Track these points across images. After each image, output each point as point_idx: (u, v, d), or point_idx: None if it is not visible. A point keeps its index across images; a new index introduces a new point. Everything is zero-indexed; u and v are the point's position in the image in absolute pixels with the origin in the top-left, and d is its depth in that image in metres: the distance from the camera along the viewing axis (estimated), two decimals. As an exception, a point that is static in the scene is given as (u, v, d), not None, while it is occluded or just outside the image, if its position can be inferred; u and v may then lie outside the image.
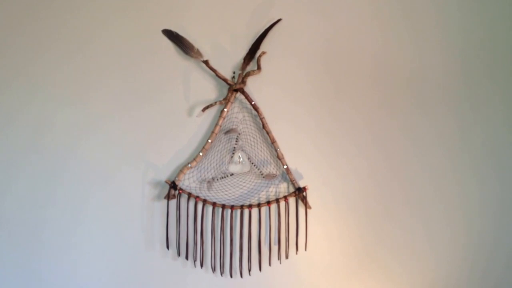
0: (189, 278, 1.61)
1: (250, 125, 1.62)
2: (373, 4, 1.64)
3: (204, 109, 1.59)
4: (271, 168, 1.61)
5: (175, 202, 1.59)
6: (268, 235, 1.59)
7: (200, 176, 1.61)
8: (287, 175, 1.59)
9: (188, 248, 1.58)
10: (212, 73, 1.61)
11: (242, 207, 1.57)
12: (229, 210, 1.58)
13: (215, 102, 1.59)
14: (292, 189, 1.60)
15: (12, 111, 1.64)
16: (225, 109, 1.59)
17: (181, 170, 1.58)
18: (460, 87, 1.63)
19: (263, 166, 1.61)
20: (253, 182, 1.60)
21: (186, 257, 1.58)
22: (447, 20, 1.64)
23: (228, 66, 1.63)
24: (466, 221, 1.61)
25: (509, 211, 1.60)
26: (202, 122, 1.63)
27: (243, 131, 1.61)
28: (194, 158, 1.58)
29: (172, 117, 1.63)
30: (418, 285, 1.61)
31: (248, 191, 1.60)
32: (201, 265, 1.59)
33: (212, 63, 1.61)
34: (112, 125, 1.63)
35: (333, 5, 1.65)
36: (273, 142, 1.58)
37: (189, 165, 1.58)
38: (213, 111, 1.62)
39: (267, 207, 1.58)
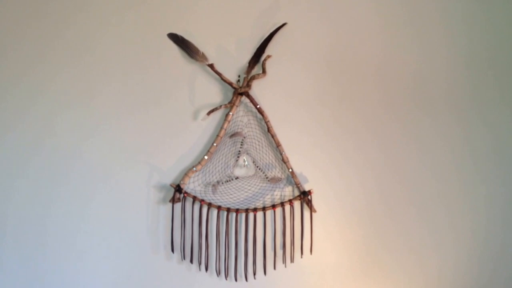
0: (194, 282, 1.60)
1: (255, 128, 1.62)
2: (378, 8, 1.65)
3: (209, 113, 1.59)
4: (276, 172, 1.61)
5: (180, 206, 1.59)
6: (273, 239, 1.58)
7: (205, 180, 1.61)
8: (292, 178, 1.59)
9: (193, 252, 1.58)
10: (217, 76, 1.61)
11: (247, 210, 1.57)
12: (234, 214, 1.58)
13: (220, 106, 1.59)
14: (297, 193, 1.59)
15: (17, 114, 1.64)
16: (230, 113, 1.59)
17: (186, 173, 1.58)
18: (465, 91, 1.63)
19: (268, 170, 1.61)
20: (258, 185, 1.60)
21: (191, 261, 1.58)
22: (452, 24, 1.64)
23: (233, 70, 1.63)
24: (471, 225, 1.60)
25: (514, 214, 1.60)
26: (207, 125, 1.63)
27: (248, 135, 1.62)
28: (199, 161, 1.58)
29: (177, 121, 1.63)
30: (423, 289, 1.61)
31: (253, 195, 1.60)
32: (206, 269, 1.59)
33: (217, 67, 1.61)
34: (117, 128, 1.64)
35: (337, 9, 1.65)
36: (278, 145, 1.58)
37: (194, 168, 1.58)
38: (218, 114, 1.63)
39: (272, 210, 1.58)
